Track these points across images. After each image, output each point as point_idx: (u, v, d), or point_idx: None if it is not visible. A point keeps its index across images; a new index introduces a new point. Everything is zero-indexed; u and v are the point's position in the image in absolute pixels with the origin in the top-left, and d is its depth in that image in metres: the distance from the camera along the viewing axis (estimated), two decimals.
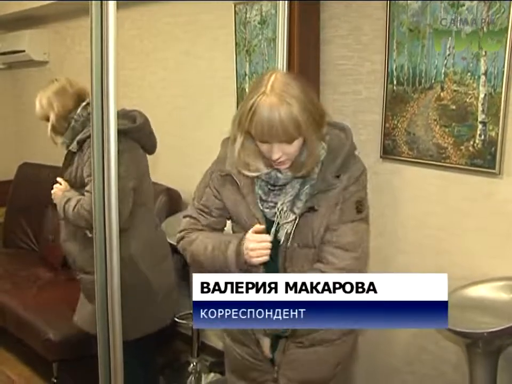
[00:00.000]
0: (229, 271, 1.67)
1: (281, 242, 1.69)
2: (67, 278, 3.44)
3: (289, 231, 1.68)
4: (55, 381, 3.20)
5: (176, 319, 3.37)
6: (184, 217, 1.85)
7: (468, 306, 2.13)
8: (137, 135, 2.41)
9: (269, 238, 1.65)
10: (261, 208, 1.70)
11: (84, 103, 2.41)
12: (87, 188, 2.31)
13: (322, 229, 1.68)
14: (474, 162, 2.26)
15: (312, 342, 1.77)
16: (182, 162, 3.40)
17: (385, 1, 2.43)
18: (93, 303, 2.48)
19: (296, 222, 1.66)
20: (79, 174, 2.39)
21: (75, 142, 2.40)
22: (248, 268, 1.66)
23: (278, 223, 1.68)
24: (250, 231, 1.67)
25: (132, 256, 2.37)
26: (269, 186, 1.70)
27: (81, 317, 2.59)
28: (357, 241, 1.71)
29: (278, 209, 1.68)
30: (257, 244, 1.64)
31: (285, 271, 1.70)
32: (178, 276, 3.43)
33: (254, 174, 1.68)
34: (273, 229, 1.68)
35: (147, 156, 2.54)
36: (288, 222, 1.67)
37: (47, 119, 2.46)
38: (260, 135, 1.58)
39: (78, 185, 2.41)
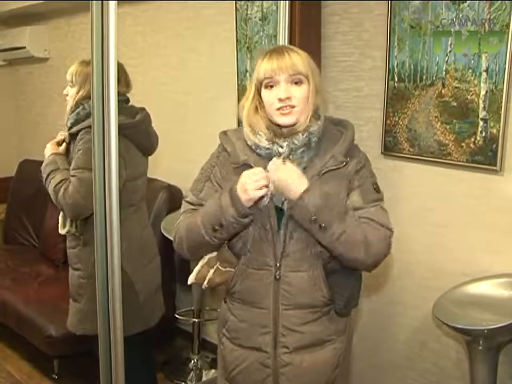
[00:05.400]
0: (226, 222, 1.62)
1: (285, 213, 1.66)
2: (68, 274, 3.44)
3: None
4: (56, 377, 3.22)
5: (177, 316, 3.38)
6: (181, 214, 1.80)
7: (468, 303, 2.13)
8: (131, 132, 2.36)
9: (263, 170, 1.63)
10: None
11: None
12: (72, 179, 2.29)
13: None
14: (475, 159, 2.26)
15: (306, 345, 1.75)
16: (184, 159, 3.40)
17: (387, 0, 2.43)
18: (75, 301, 2.48)
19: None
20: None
21: (68, 134, 2.40)
22: (246, 211, 1.62)
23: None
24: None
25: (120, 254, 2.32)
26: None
27: (70, 320, 2.55)
28: (384, 219, 1.70)
29: None
30: (252, 176, 1.61)
31: (288, 239, 1.68)
32: (177, 272, 3.44)
33: (256, 141, 1.68)
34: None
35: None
36: None
37: (71, 86, 2.45)
38: (269, 71, 1.64)
39: None
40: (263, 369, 1.76)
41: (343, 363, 1.83)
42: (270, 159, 1.67)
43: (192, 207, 1.77)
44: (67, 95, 2.46)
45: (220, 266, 1.76)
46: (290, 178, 1.61)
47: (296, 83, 1.65)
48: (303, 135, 1.67)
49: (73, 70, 2.45)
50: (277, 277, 1.70)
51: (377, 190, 1.74)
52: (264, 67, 1.66)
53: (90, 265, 2.30)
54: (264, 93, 1.67)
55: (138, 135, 2.42)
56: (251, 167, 1.68)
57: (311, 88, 1.67)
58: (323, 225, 1.60)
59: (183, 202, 1.82)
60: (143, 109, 2.49)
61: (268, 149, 1.68)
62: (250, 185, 1.60)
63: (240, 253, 1.74)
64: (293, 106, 1.65)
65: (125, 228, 2.23)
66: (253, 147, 1.70)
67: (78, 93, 2.42)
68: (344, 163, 1.69)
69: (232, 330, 1.81)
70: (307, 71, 1.66)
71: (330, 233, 1.60)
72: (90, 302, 2.36)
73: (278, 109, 1.65)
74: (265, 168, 1.65)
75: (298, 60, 1.65)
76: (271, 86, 1.65)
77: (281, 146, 1.67)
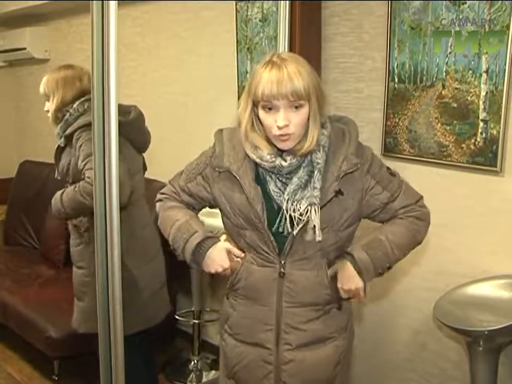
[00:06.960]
0: (180, 255, 1.76)
1: (295, 233, 1.65)
2: (68, 275, 3.42)
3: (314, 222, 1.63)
4: (56, 378, 3.22)
5: (177, 317, 3.38)
6: (170, 182, 1.88)
7: (469, 304, 2.13)
8: (125, 130, 2.32)
9: (227, 263, 1.73)
10: (280, 202, 1.66)
11: (83, 99, 2.40)
12: (87, 172, 2.27)
13: (345, 214, 1.68)
14: (475, 160, 2.26)
15: (308, 342, 1.75)
16: (182, 160, 3.37)
17: (387, 0, 2.43)
18: (79, 300, 2.49)
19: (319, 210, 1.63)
20: (71, 168, 2.38)
21: (63, 138, 2.39)
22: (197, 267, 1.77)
23: (286, 215, 1.64)
24: (224, 241, 1.75)
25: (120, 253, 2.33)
26: (278, 177, 1.66)
27: (74, 318, 2.56)
28: (413, 193, 1.81)
29: (285, 200, 1.64)
30: (220, 261, 1.73)
31: (288, 257, 1.69)
32: (177, 273, 3.44)
33: (257, 160, 1.65)
34: (286, 222, 1.65)
35: (143, 154, 2.55)
36: (302, 213, 1.63)
37: (47, 100, 2.46)
38: (268, 95, 1.55)
39: (69, 179, 2.40)
40: (265, 365, 1.77)
41: (344, 360, 1.84)
42: (274, 172, 1.65)
43: (174, 191, 1.85)
44: (48, 111, 2.46)
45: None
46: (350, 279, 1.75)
47: (296, 107, 1.58)
48: (320, 152, 1.65)
49: (43, 82, 2.48)
50: (281, 274, 1.70)
51: (392, 173, 1.77)
52: (262, 88, 1.56)
53: (94, 264, 2.30)
54: (262, 113, 1.61)
55: (133, 132, 2.43)
56: (232, 175, 1.68)
57: (312, 105, 1.60)
58: (387, 266, 1.81)
59: (175, 176, 1.89)
60: (134, 107, 2.48)
61: (271, 162, 1.64)
62: (211, 266, 1.74)
63: (244, 251, 1.75)
64: (291, 133, 1.60)
65: (126, 224, 2.24)
66: (257, 161, 1.66)
67: (53, 101, 2.43)
68: (358, 165, 1.67)
69: (235, 326, 1.82)
70: (308, 93, 1.57)
71: (394, 259, 1.80)
72: (94, 300, 2.36)
73: (276, 135, 1.60)
74: (251, 176, 1.68)
75: (300, 81, 1.55)
76: (269, 108, 1.59)
77: (285, 160, 1.64)
